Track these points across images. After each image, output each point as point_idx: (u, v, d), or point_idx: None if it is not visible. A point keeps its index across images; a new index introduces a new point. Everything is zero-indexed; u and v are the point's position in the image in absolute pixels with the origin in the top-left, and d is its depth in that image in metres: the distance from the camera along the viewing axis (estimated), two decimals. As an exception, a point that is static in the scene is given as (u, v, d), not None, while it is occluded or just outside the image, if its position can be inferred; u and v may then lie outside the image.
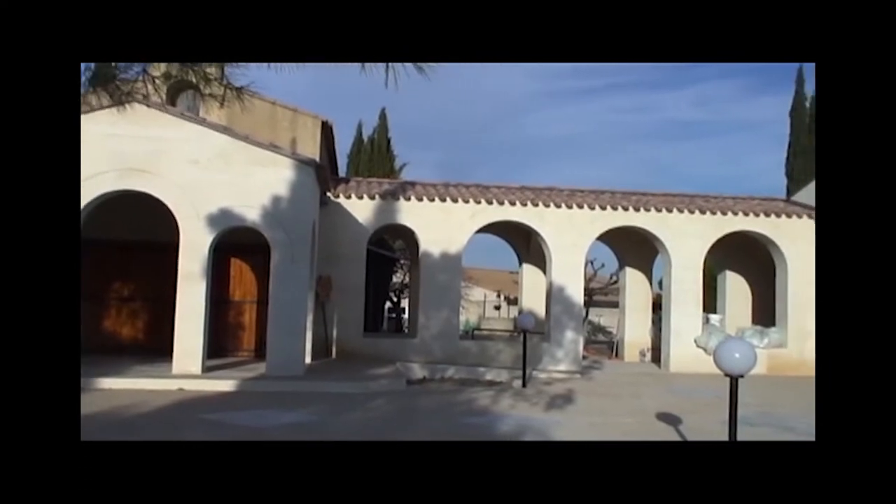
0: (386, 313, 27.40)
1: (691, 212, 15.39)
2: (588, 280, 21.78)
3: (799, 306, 15.53)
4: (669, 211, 15.34)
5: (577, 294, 15.09)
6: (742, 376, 5.37)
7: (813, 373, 15.25)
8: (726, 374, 5.39)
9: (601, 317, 30.44)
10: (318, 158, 14.20)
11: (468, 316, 23.23)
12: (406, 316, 25.10)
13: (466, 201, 14.75)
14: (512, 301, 43.32)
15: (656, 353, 16.85)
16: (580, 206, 15.07)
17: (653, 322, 18.04)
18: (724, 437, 6.88)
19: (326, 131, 16.43)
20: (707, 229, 15.48)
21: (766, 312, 17.10)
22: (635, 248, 17.61)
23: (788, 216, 15.72)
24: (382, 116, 27.92)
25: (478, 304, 39.99)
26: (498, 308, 45.71)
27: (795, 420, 9.23)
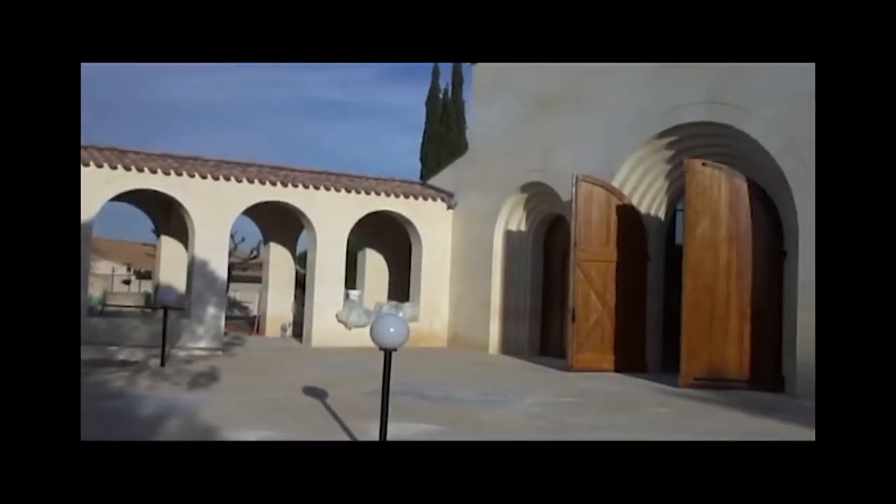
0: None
1: (337, 190, 15.76)
2: (229, 254, 21.28)
3: (431, 283, 16.75)
4: (317, 188, 15.54)
5: (220, 269, 14.68)
6: (396, 349, 5.61)
7: (444, 344, 16.61)
8: (381, 349, 5.57)
9: (238, 291, 29.97)
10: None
11: (93, 291, 21.47)
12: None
13: (100, 165, 13.54)
14: (144, 275, 40.95)
15: (298, 328, 17.04)
16: (227, 179, 14.64)
17: (295, 297, 18.21)
18: (369, 406, 7.19)
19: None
20: (352, 208, 15.97)
21: (401, 288, 18.16)
22: (280, 223, 17.62)
23: (424, 199, 16.80)
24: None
25: (105, 278, 37.12)
26: (128, 283, 42.88)
27: (429, 389, 9.91)
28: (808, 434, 7.59)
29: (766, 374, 10.89)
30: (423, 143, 27.83)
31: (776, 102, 10.58)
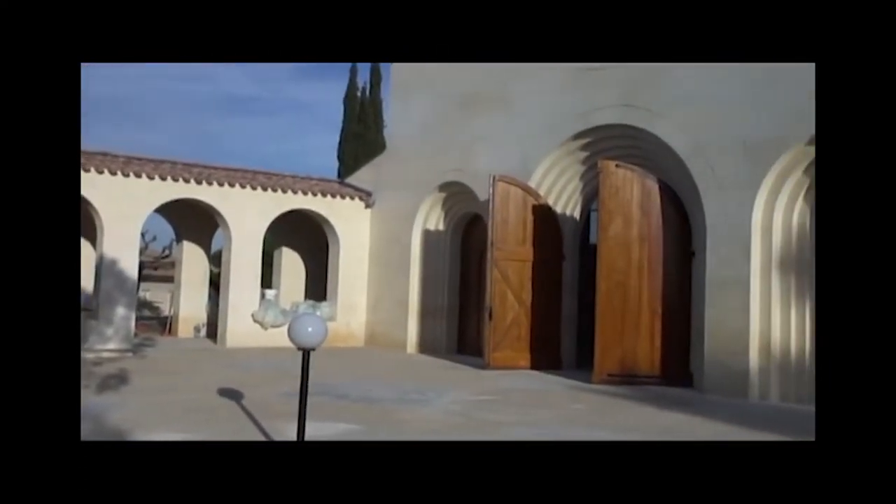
0: None
1: (253, 188, 15.51)
2: (139, 253, 20.69)
3: (348, 282, 16.66)
4: (232, 186, 15.26)
5: (131, 268, 14.26)
6: (314, 349, 5.56)
7: (361, 343, 16.54)
8: (300, 348, 5.52)
9: (148, 291, 29.17)
10: None
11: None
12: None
13: (3, 161, 12.97)
14: (48, 274, 39.40)
15: (212, 328, 16.69)
16: (138, 175, 14.23)
17: (209, 297, 17.84)
18: (286, 406, 7.12)
19: None
20: (268, 206, 15.75)
21: (318, 287, 18.00)
22: (194, 222, 17.22)
23: (342, 197, 16.70)
24: None
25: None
26: (31, 282, 41.21)
27: (347, 388, 9.86)
28: (714, 427, 7.88)
29: (675, 369, 11.24)
30: (340, 142, 27.62)
31: (686, 106, 10.93)
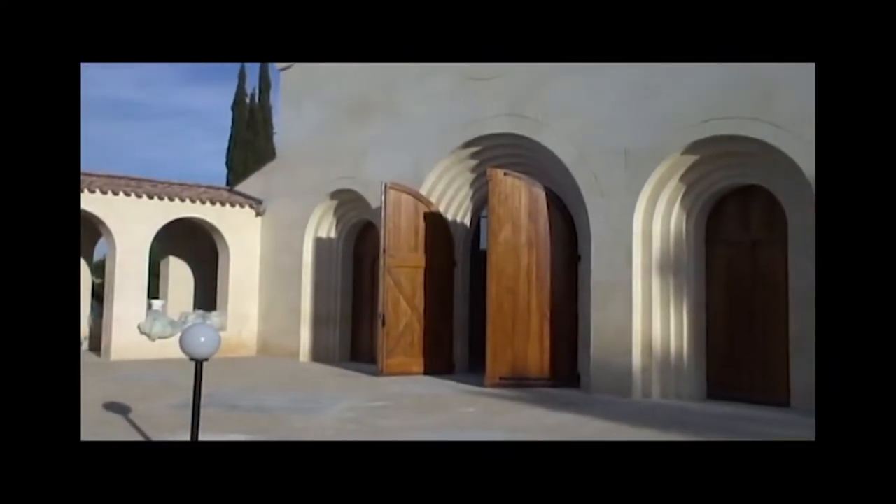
0: None
1: (139, 196, 15.08)
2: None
3: (239, 291, 16.41)
4: (116, 194, 14.80)
5: (6, 280, 13.60)
6: (207, 360, 5.52)
7: (253, 353, 16.30)
8: (192, 359, 5.47)
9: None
10: None
11: None
12: None
13: None
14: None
15: (96, 341, 16.11)
16: (13, 183, 13.60)
17: (92, 308, 17.20)
18: (177, 419, 7.02)
19: None
20: (155, 214, 15.34)
21: (208, 297, 17.64)
22: (74, 231, 16.56)
23: (232, 205, 16.44)
24: None
25: None
26: None
27: (240, 398, 9.75)
28: (600, 425, 8.22)
29: (564, 371, 11.62)
30: (229, 148, 27.13)
31: (570, 117, 11.34)
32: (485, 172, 12.42)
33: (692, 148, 10.07)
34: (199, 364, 5.52)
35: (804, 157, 8.86)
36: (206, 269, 17.74)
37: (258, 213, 16.73)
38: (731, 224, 10.63)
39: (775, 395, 9.76)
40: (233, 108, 27.23)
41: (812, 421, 5.91)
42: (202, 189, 16.95)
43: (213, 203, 16.17)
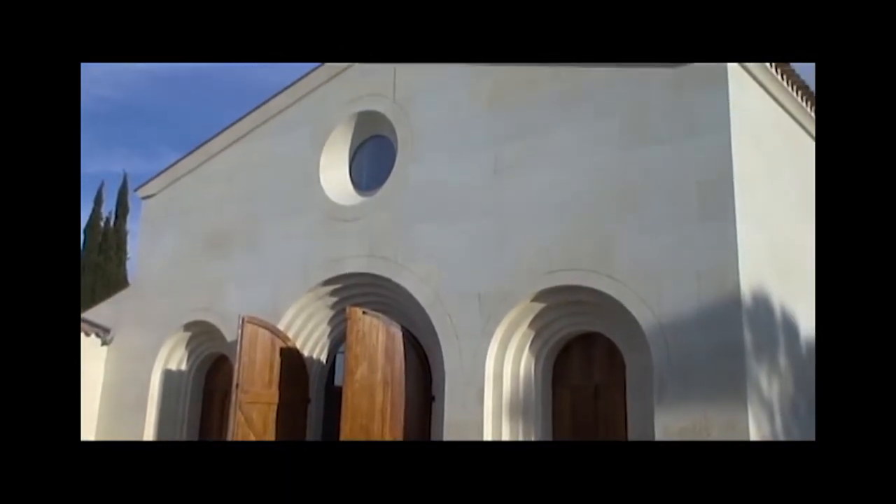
0: None
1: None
2: None
3: (77, 424, 15.48)
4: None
5: None
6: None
7: None
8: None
9: None
10: None
11: None
12: None
13: None
14: None
15: None
16: None
17: None
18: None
19: None
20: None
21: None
22: None
23: (77, 333, 15.76)
24: None
25: None
26: None
27: None
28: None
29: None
30: (77, 272, 26.16)
31: (427, 260, 11.83)
32: (344, 310, 12.61)
33: (540, 296, 10.70)
34: None
35: (639, 307, 9.62)
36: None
37: (104, 343, 16.09)
38: (575, 369, 11.21)
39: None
40: (86, 231, 26.43)
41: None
42: (45, 315, 16.18)
43: (56, 330, 15.44)
